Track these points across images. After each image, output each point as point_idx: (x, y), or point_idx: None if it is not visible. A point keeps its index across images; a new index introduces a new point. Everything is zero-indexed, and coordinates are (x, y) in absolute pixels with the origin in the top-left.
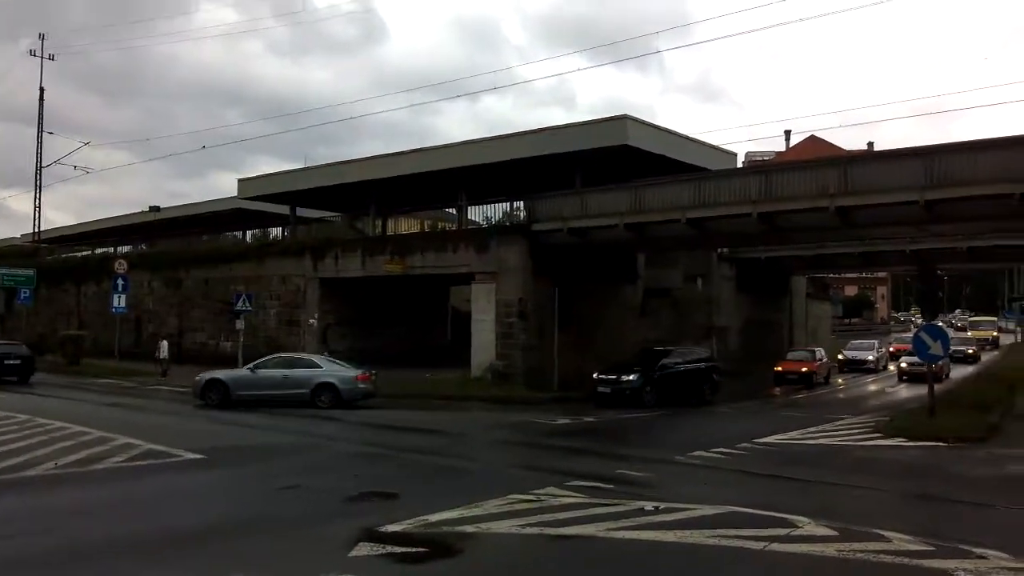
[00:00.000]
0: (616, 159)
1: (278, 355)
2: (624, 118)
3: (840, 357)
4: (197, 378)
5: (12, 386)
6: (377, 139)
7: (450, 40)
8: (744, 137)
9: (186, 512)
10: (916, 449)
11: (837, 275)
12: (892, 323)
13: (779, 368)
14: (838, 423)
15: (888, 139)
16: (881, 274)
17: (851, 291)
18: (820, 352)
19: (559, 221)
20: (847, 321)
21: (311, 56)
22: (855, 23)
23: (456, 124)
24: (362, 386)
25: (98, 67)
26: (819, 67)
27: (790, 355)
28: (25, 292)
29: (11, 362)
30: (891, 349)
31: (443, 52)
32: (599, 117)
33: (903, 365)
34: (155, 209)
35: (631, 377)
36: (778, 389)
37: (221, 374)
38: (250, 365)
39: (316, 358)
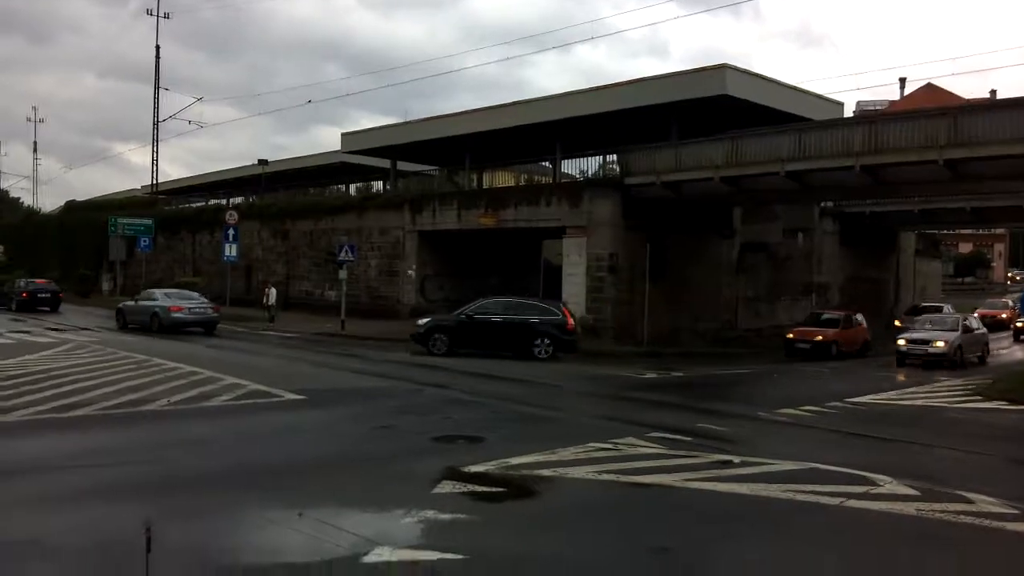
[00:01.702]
0: (714, 110)
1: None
2: (723, 67)
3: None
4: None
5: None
6: (470, 92)
7: None
8: (851, 86)
9: (283, 448)
10: (1016, 413)
11: (951, 231)
12: (1009, 282)
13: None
14: (936, 384)
15: (1012, 87)
16: (999, 231)
17: (966, 248)
18: (947, 309)
19: (652, 175)
20: (961, 280)
21: (401, 10)
22: None
23: (549, 76)
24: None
25: (200, 25)
26: (929, 10)
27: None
28: (145, 240)
29: (43, 295)
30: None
31: (533, 2)
32: (696, 67)
33: (1020, 324)
34: (263, 163)
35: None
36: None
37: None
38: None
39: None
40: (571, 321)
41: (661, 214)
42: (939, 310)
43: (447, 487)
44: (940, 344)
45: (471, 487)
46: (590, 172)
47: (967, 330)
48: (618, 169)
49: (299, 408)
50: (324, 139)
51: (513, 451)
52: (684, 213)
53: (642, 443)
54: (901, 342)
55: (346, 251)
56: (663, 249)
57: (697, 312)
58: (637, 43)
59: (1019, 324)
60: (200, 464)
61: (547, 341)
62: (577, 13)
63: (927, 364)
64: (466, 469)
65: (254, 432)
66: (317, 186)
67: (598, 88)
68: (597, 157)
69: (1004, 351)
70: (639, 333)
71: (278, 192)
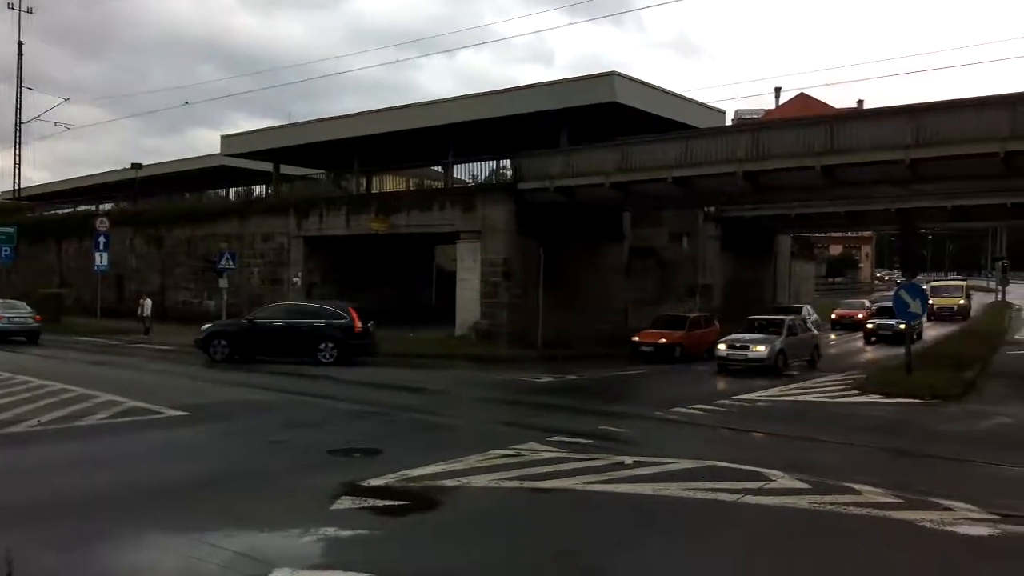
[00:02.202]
0: (603, 116)
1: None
2: (612, 74)
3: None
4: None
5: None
6: (356, 95)
7: None
8: (729, 95)
9: (171, 467)
10: (892, 406)
11: (822, 235)
12: (876, 282)
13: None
14: (817, 380)
15: (876, 97)
16: (866, 234)
17: (836, 250)
18: (807, 309)
19: (545, 180)
20: (831, 280)
21: (283, 10)
22: None
23: (435, 79)
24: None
25: (66, 21)
26: (802, 24)
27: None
28: (6, 250)
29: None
30: (833, 316)
31: (417, 5)
32: (587, 74)
33: (869, 326)
34: (137, 166)
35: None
36: None
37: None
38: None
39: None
40: (358, 324)
41: (554, 219)
42: (798, 311)
43: (346, 502)
44: (760, 349)
45: (372, 501)
46: (483, 177)
47: (792, 332)
48: (511, 174)
49: (182, 425)
50: (201, 142)
51: (413, 462)
52: (576, 218)
53: (543, 448)
54: (721, 347)
55: (226, 259)
56: (556, 253)
57: (590, 315)
58: (522, 49)
59: (869, 326)
60: (76, 487)
61: (331, 345)
62: (462, 18)
63: (747, 371)
64: (365, 483)
65: (135, 451)
66: (196, 191)
67: (490, 93)
68: (490, 162)
69: (836, 352)
70: (534, 337)
71: (154, 198)
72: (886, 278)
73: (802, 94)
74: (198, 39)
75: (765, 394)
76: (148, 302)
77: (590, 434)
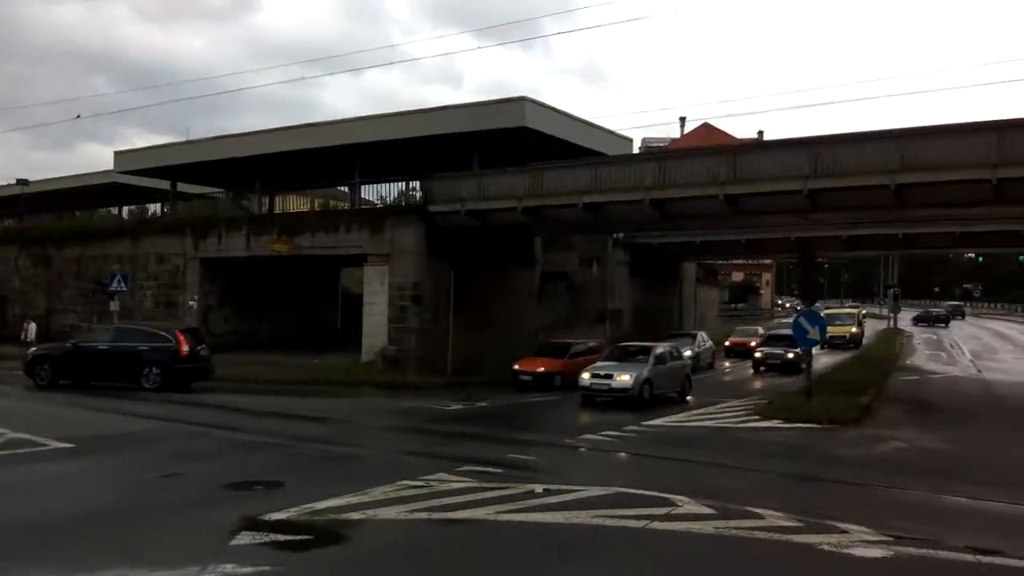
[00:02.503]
0: (514, 141)
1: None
2: (522, 99)
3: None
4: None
5: None
6: (258, 112)
7: (328, 9)
8: (636, 123)
9: (53, 503)
10: (792, 431)
11: (725, 261)
12: (776, 308)
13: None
14: (720, 406)
15: (777, 129)
16: (766, 261)
17: (738, 277)
18: (701, 336)
19: (456, 203)
20: (733, 306)
21: (181, 22)
22: (738, 15)
23: (340, 97)
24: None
25: None
26: (706, 55)
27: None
28: None
29: None
30: (727, 344)
31: (321, 22)
32: (498, 98)
33: (758, 355)
34: (23, 182)
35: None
36: None
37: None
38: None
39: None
40: (184, 348)
41: (465, 243)
42: (693, 337)
43: (246, 538)
44: (625, 378)
45: (273, 536)
46: (392, 199)
47: (660, 361)
48: (421, 196)
49: (69, 457)
50: (93, 157)
51: (317, 495)
52: (488, 242)
53: (453, 478)
54: (585, 376)
55: (118, 280)
56: (468, 277)
57: (502, 340)
58: (431, 70)
59: (758, 355)
60: None
61: (155, 370)
62: (369, 36)
63: (613, 402)
64: (266, 517)
65: (16, 486)
66: (87, 209)
67: (400, 113)
68: (399, 184)
69: (730, 379)
70: (444, 363)
71: (41, 215)
72: (787, 305)
73: (706, 124)
74: (90, 50)
75: (672, 420)
76: (33, 326)
77: (500, 463)
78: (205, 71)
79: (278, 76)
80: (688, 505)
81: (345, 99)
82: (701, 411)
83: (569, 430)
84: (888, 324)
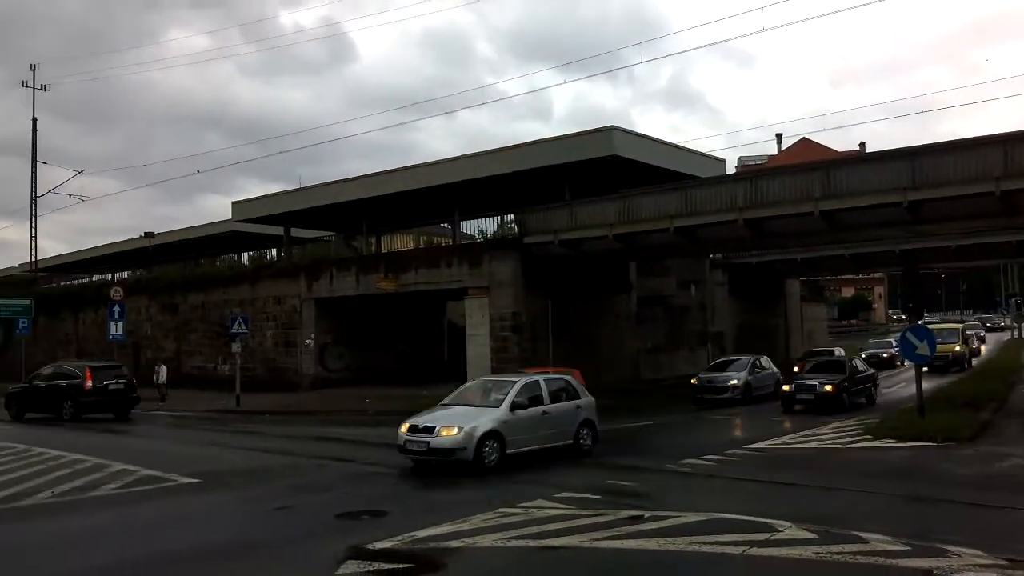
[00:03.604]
0: (604, 169)
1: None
2: (611, 129)
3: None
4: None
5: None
6: (360, 157)
7: (419, 56)
8: (728, 144)
9: (180, 537)
10: (904, 450)
11: (833, 277)
12: (891, 323)
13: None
14: (829, 426)
15: (876, 139)
16: (877, 274)
17: (848, 292)
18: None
19: (550, 233)
20: (844, 323)
21: (283, 77)
22: (827, 29)
23: (436, 139)
24: None
25: (72, 97)
26: (796, 71)
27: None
28: (24, 322)
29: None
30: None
31: (413, 68)
32: (586, 129)
33: (786, 388)
34: (149, 235)
35: None
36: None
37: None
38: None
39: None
40: (88, 384)
41: (560, 271)
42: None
43: (351, 567)
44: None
45: (377, 565)
46: (489, 232)
47: (517, 407)
48: (516, 229)
49: (194, 493)
50: (211, 208)
51: (419, 523)
52: (583, 270)
53: (551, 504)
54: (402, 430)
55: (239, 323)
56: (564, 305)
57: (601, 365)
58: (519, 106)
59: (786, 388)
60: (87, 561)
61: (69, 403)
62: (458, 78)
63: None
64: (371, 546)
65: (147, 521)
66: (208, 257)
67: (494, 151)
68: (495, 218)
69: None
70: None
71: (167, 265)
72: (902, 318)
73: (804, 139)
74: (204, 108)
75: (776, 442)
76: (163, 369)
77: (598, 489)
78: (309, 121)
79: (377, 122)
80: (789, 530)
81: (440, 140)
82: (808, 432)
83: (672, 454)
84: (1012, 335)
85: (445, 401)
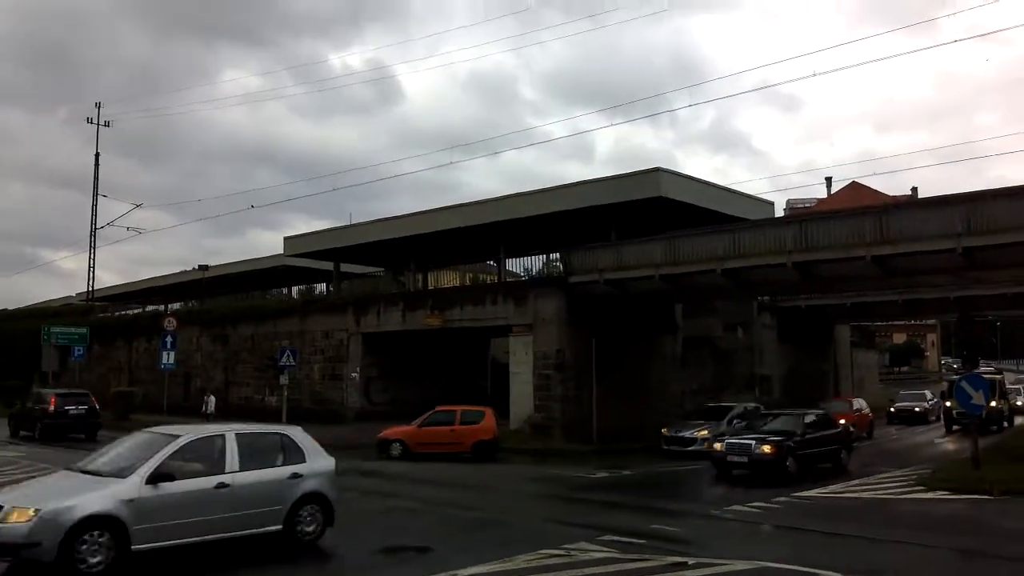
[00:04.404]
0: (650, 210)
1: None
2: (657, 170)
3: None
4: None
5: (63, 442)
6: (406, 195)
7: (464, 97)
8: (772, 187)
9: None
10: (959, 502)
11: (884, 323)
12: (944, 371)
13: None
14: (880, 476)
15: (925, 184)
16: (930, 321)
17: (900, 339)
18: (860, 402)
19: (595, 273)
20: (895, 370)
21: (333, 117)
22: (873, 72)
23: (480, 178)
24: None
25: (131, 134)
26: (841, 114)
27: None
28: (79, 349)
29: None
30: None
31: (459, 109)
32: (633, 171)
33: (717, 447)
34: (203, 268)
35: None
36: None
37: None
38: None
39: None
40: (51, 408)
41: (605, 311)
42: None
43: None
44: (766, 449)
45: None
46: (534, 271)
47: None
48: (561, 267)
49: None
50: (261, 243)
51: (462, 561)
52: (628, 309)
53: (594, 547)
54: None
55: (287, 356)
56: (609, 345)
57: (646, 406)
58: (562, 147)
59: (717, 446)
60: None
61: (39, 424)
62: (502, 119)
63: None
64: None
65: None
66: (258, 290)
67: (540, 191)
68: (541, 256)
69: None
70: (589, 430)
71: (219, 297)
72: (955, 366)
73: (854, 183)
74: (256, 146)
75: (825, 491)
76: (212, 399)
77: (643, 533)
78: (358, 159)
79: (423, 162)
80: None
81: (484, 179)
82: (858, 482)
83: (717, 500)
84: None
85: (80, 464)
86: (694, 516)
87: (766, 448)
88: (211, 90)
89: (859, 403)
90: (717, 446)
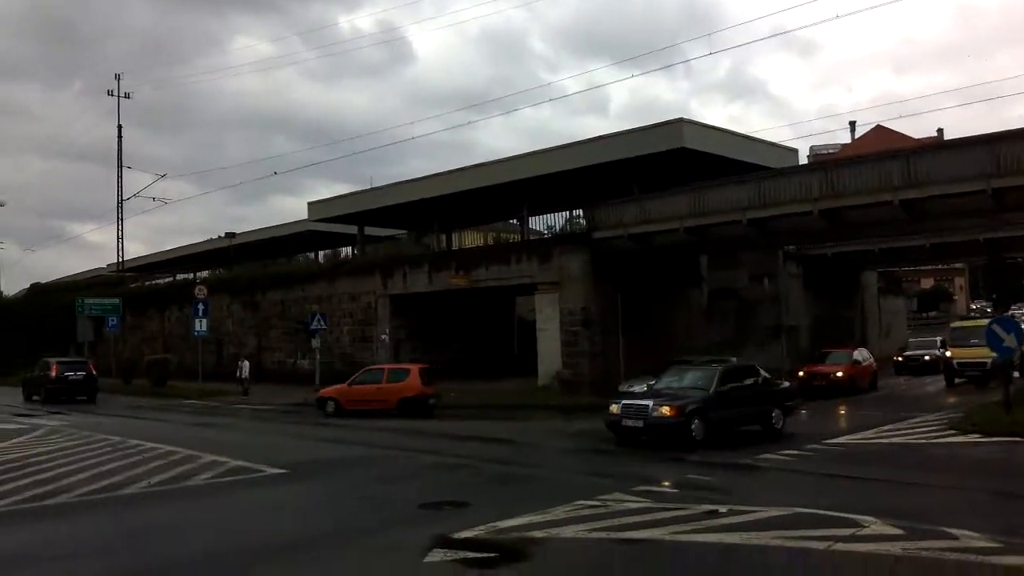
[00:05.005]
0: (673, 162)
1: None
2: (680, 121)
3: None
4: None
5: (96, 408)
6: (422, 157)
7: (476, 55)
8: (794, 134)
9: (272, 525)
10: (991, 445)
11: (912, 268)
12: (973, 314)
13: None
14: (911, 421)
15: (949, 126)
16: (958, 265)
17: (927, 284)
18: (863, 353)
19: (619, 228)
20: (924, 315)
21: (345, 80)
22: (890, 13)
23: (495, 137)
24: None
25: (146, 106)
26: (859, 56)
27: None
28: (112, 320)
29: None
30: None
31: (471, 67)
32: (654, 122)
33: (613, 411)
34: (230, 235)
35: None
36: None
37: None
38: None
39: None
40: (52, 374)
41: (630, 265)
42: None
43: (438, 555)
44: (664, 411)
45: (463, 554)
46: (558, 228)
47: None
48: (585, 224)
49: (282, 483)
50: (282, 208)
51: (501, 514)
52: (653, 263)
53: (629, 498)
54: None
55: (317, 319)
56: (635, 299)
57: (672, 360)
58: (577, 102)
59: (613, 410)
60: (181, 549)
61: (42, 389)
62: (515, 76)
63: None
64: (456, 535)
65: (238, 511)
66: (285, 255)
67: (562, 147)
68: (564, 213)
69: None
70: (616, 385)
71: (247, 264)
72: (988, 310)
73: (879, 126)
74: (270, 112)
75: (857, 437)
76: (246, 364)
77: (676, 483)
78: (372, 123)
79: (438, 123)
80: (874, 526)
81: (499, 137)
82: (890, 427)
83: (748, 449)
84: None
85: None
86: (727, 465)
87: (664, 410)
88: (223, 59)
89: (862, 353)
90: (613, 408)
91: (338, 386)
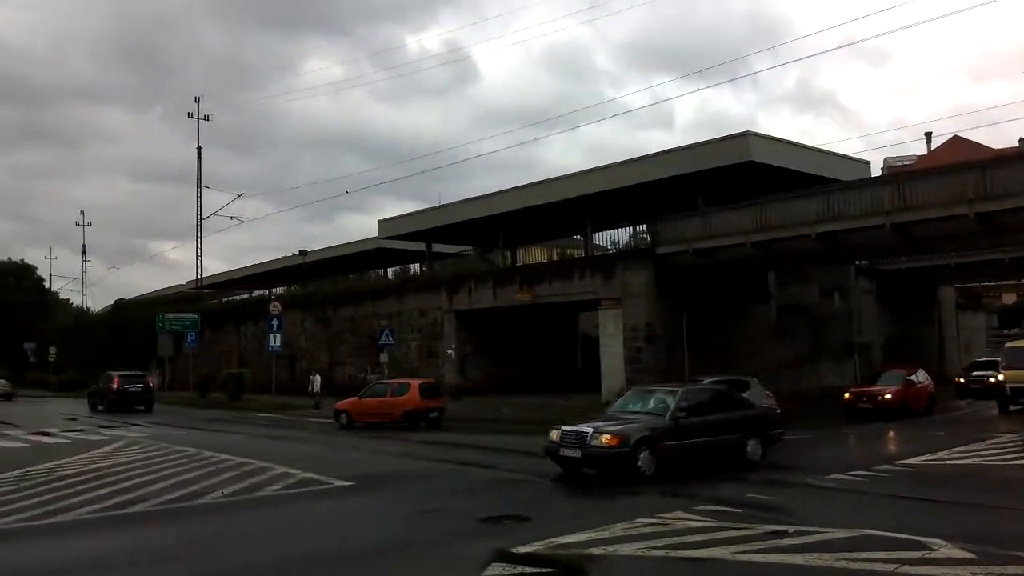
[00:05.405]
0: (740, 176)
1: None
2: (746, 134)
3: None
4: None
5: (174, 421)
6: (488, 174)
7: (540, 73)
8: (866, 147)
9: (334, 537)
10: None
11: (992, 283)
12: None
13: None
14: (988, 442)
15: None
16: None
17: (1009, 299)
18: (920, 375)
19: (683, 243)
20: (1005, 332)
21: (412, 100)
22: (962, 20)
23: (557, 153)
24: None
25: (222, 127)
26: (933, 66)
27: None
28: (191, 335)
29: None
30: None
31: (535, 85)
32: (720, 136)
33: (552, 438)
34: (303, 253)
35: None
36: None
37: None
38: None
39: None
40: (114, 386)
41: (695, 281)
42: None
43: (497, 569)
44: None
45: (521, 568)
46: (621, 243)
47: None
48: (649, 239)
49: (348, 495)
50: (350, 226)
51: (560, 529)
52: (718, 279)
53: (690, 516)
54: None
55: (386, 335)
56: (700, 315)
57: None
58: (641, 116)
59: (553, 437)
60: (254, 558)
61: (105, 400)
62: (579, 92)
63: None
64: (515, 550)
65: (306, 521)
66: (355, 272)
67: (625, 162)
68: (628, 228)
69: None
70: None
71: (319, 280)
72: None
73: (956, 137)
74: (341, 133)
75: (931, 458)
76: (317, 378)
77: (739, 502)
78: (439, 141)
79: (503, 140)
80: (944, 549)
81: (563, 154)
82: (964, 448)
83: (815, 469)
84: None
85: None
86: (792, 485)
87: (605, 438)
88: (297, 81)
89: (919, 375)
90: (553, 434)
91: (351, 399)
